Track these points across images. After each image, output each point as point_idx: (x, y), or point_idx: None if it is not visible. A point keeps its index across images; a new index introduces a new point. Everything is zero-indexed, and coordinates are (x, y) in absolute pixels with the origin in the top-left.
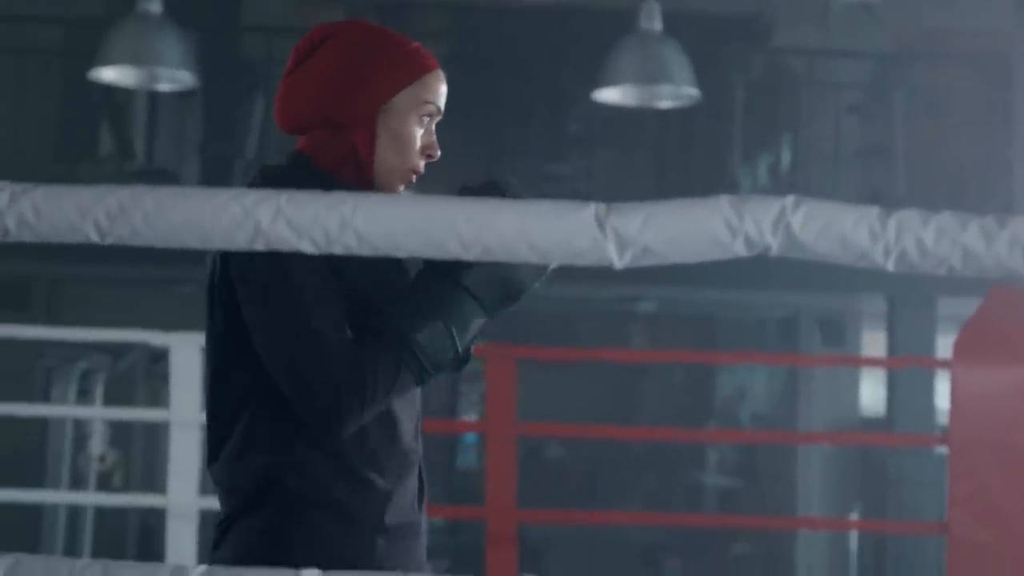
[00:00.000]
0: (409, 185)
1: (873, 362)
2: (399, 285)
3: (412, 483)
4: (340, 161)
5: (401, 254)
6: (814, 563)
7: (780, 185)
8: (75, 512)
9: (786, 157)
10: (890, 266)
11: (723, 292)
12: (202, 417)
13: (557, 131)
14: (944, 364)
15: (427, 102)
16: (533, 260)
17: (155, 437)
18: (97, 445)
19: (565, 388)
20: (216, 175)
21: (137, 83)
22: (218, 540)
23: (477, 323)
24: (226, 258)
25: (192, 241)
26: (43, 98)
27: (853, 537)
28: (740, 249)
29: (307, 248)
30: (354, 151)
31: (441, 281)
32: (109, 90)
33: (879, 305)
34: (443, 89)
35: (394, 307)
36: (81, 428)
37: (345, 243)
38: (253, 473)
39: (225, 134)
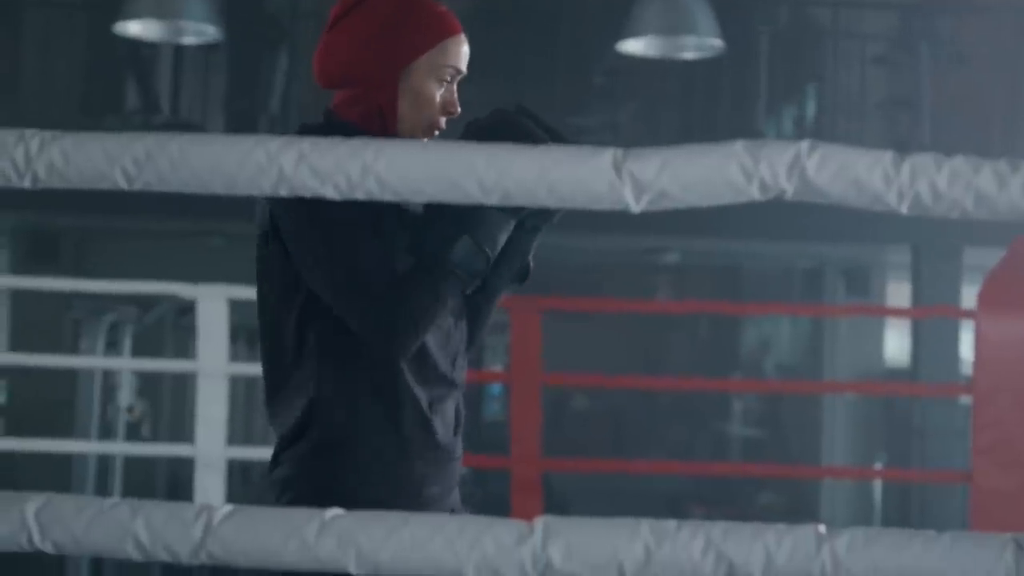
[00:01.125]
0: (431, 139)
1: (898, 312)
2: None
3: (449, 412)
4: (367, 117)
5: (422, 199)
6: (838, 513)
7: (805, 136)
8: (104, 462)
9: (811, 109)
10: (904, 209)
11: (748, 243)
12: (229, 368)
13: (581, 84)
14: (969, 314)
15: (446, 65)
16: (551, 204)
17: (183, 388)
18: (125, 396)
19: (590, 340)
20: (241, 129)
21: (162, 37)
22: (272, 465)
23: (506, 230)
24: (275, 203)
25: (217, 187)
26: (69, 52)
27: (877, 487)
28: (755, 193)
29: (330, 193)
30: (379, 108)
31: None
32: (134, 44)
33: (904, 255)
34: (464, 51)
35: (427, 231)
36: (110, 380)
37: (367, 188)
38: (301, 406)
39: (250, 88)
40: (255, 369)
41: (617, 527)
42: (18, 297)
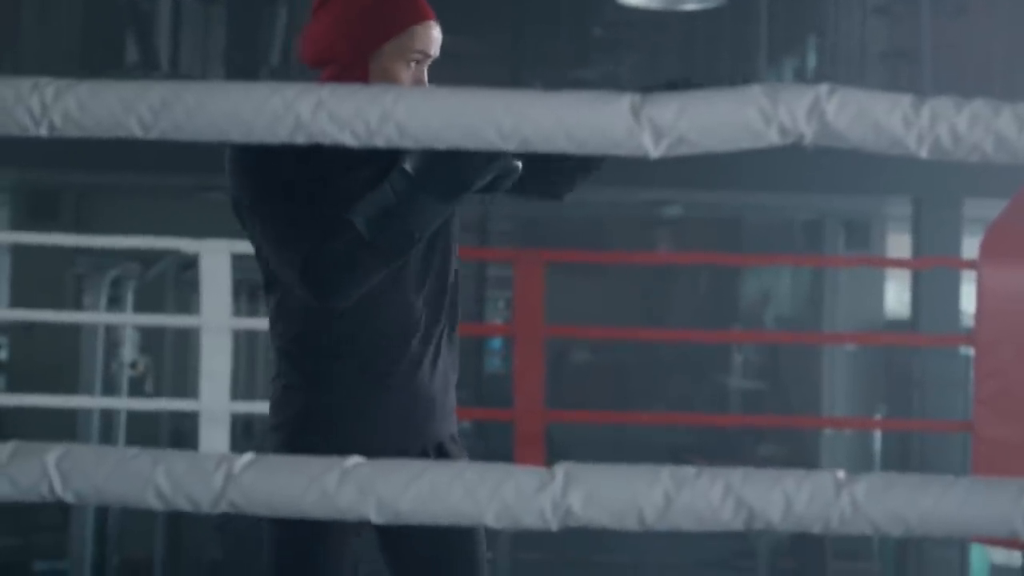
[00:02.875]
0: None
1: (899, 263)
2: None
3: (407, 362)
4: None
5: (441, 145)
6: (839, 464)
7: None
8: (108, 418)
9: (812, 60)
10: (923, 153)
11: (748, 195)
12: (232, 322)
13: (582, 36)
14: (971, 264)
15: (414, 49)
16: (570, 150)
17: (184, 344)
18: (128, 352)
19: (592, 293)
20: (243, 80)
21: None
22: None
23: (442, 216)
24: (234, 187)
25: (234, 134)
26: (68, 8)
27: (877, 438)
28: (774, 137)
29: (348, 140)
30: (349, 83)
31: (402, 182)
32: None
33: (904, 207)
34: (433, 35)
35: (368, 206)
36: (112, 335)
37: (386, 135)
38: (277, 346)
39: (249, 42)
40: (258, 323)
41: (637, 474)
42: (19, 254)
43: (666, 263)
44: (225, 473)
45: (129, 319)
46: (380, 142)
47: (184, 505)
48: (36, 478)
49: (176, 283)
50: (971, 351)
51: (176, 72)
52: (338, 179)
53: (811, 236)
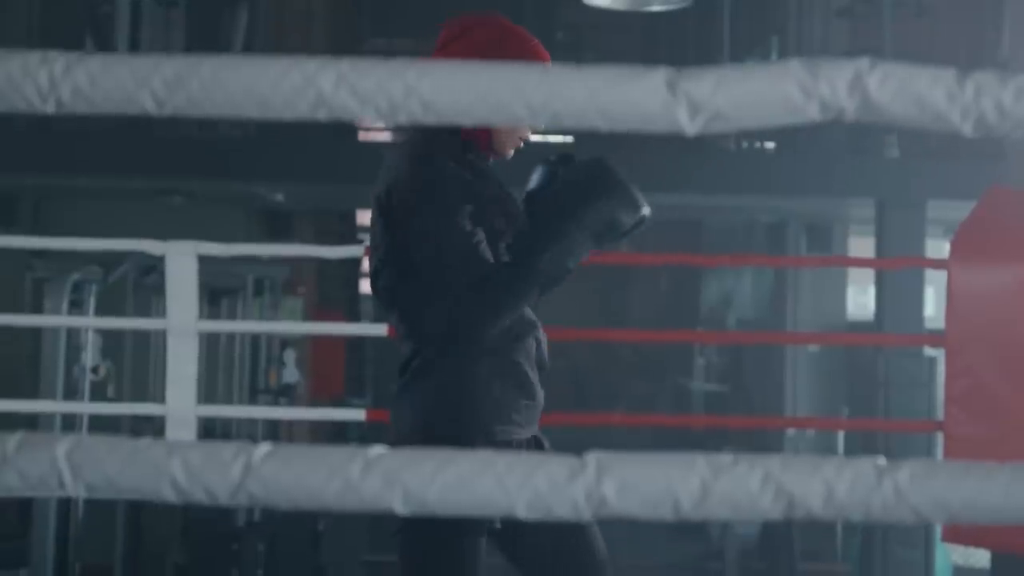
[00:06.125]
0: (519, 149)
1: (868, 263)
2: (520, 222)
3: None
4: (468, 129)
5: (467, 122)
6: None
7: None
8: (69, 423)
9: (775, 60)
10: (967, 129)
11: (709, 197)
12: (199, 325)
13: (544, 37)
14: (940, 264)
15: None
16: (602, 126)
17: (144, 348)
18: (90, 357)
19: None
20: None
21: None
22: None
23: (587, 250)
24: (390, 195)
25: (251, 110)
26: (27, 10)
27: (840, 440)
28: (814, 112)
29: (371, 116)
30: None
31: (562, 220)
32: (92, 1)
33: (867, 209)
34: None
35: (522, 240)
36: (74, 339)
37: (410, 110)
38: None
39: (209, 46)
40: (222, 326)
41: (672, 462)
42: None
43: (625, 264)
44: (244, 464)
45: (94, 322)
46: (403, 118)
47: (201, 497)
48: (45, 471)
49: (136, 288)
50: (935, 352)
51: None
52: (485, 216)
53: (773, 239)
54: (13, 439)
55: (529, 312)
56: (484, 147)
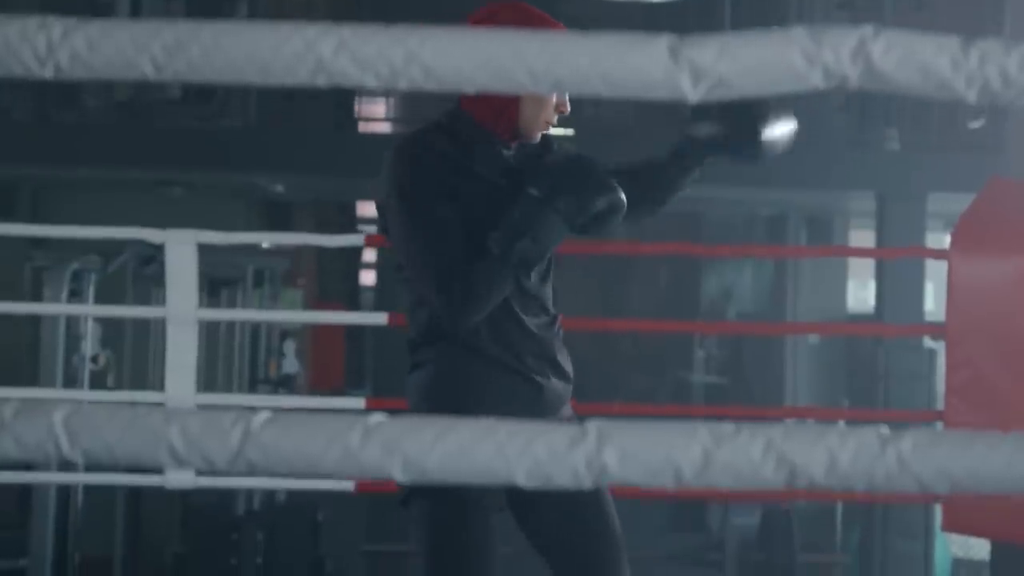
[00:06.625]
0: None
1: (868, 252)
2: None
3: (532, 357)
4: (494, 113)
5: (469, 88)
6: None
7: None
8: None
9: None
10: (972, 96)
11: (710, 189)
12: (198, 313)
13: None
14: (940, 254)
15: None
16: (605, 92)
17: (144, 338)
18: (90, 346)
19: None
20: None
21: None
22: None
23: (561, 231)
24: (378, 193)
25: (251, 76)
26: (26, 1)
27: None
28: (817, 80)
29: (370, 82)
30: (503, 105)
31: (534, 205)
32: None
33: (868, 203)
34: None
35: (498, 228)
36: (73, 329)
37: (411, 77)
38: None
39: None
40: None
41: (673, 431)
42: None
43: (624, 256)
44: (243, 430)
45: (93, 310)
46: (404, 84)
47: (199, 463)
48: (42, 436)
49: (135, 279)
50: (935, 345)
51: None
52: (475, 202)
53: (773, 232)
54: (10, 405)
55: (545, 303)
56: (508, 133)
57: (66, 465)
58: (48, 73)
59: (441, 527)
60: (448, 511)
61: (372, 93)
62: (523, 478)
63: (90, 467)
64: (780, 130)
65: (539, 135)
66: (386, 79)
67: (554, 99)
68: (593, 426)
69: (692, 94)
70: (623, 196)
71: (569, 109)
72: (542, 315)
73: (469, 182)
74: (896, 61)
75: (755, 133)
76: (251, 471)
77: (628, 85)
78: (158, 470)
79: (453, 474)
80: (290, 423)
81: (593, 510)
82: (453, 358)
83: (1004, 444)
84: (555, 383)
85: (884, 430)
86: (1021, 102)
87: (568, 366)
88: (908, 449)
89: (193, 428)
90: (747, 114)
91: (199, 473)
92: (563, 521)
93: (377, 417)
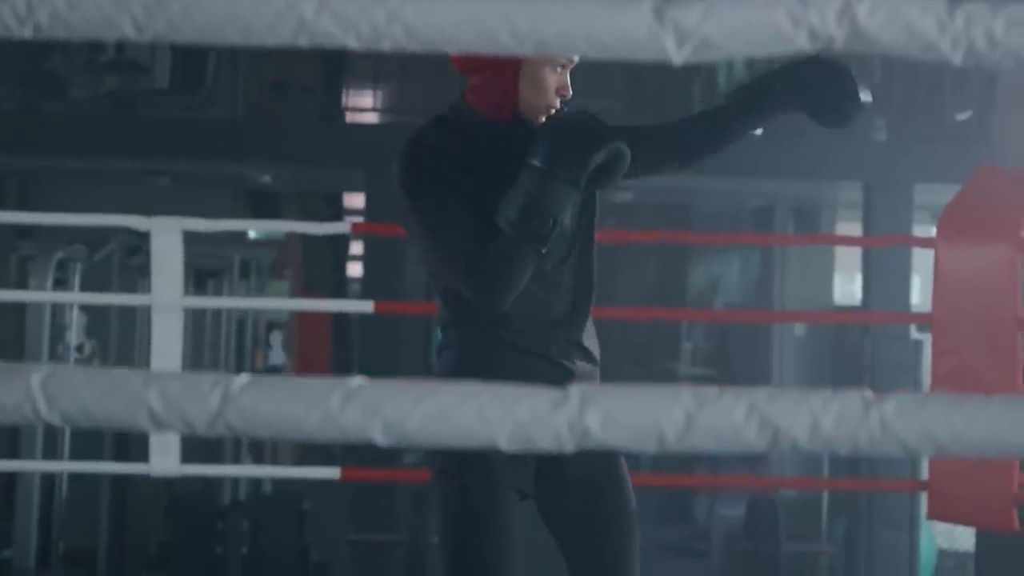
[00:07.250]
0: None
1: (856, 241)
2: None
3: (551, 342)
4: (494, 99)
5: (451, 49)
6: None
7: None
8: None
9: None
10: (957, 58)
11: (698, 180)
12: (184, 301)
13: None
14: (927, 242)
15: (561, 56)
16: (589, 53)
17: (130, 328)
18: (75, 335)
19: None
20: (189, 67)
21: None
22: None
23: (566, 194)
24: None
25: (232, 36)
26: None
27: None
28: (803, 41)
29: (352, 43)
30: (503, 89)
31: (535, 175)
32: None
33: (855, 193)
34: None
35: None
36: (59, 318)
37: (393, 37)
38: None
39: None
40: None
41: (656, 394)
42: None
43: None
44: (222, 393)
45: (78, 297)
46: (387, 45)
47: (178, 426)
48: (20, 399)
49: (121, 269)
50: (922, 336)
51: (122, 56)
52: (484, 189)
53: (760, 223)
54: None
55: (572, 287)
56: (509, 117)
57: (51, 452)
58: (27, 32)
59: (463, 506)
60: (472, 491)
61: (361, 80)
62: (505, 441)
63: (75, 455)
64: (865, 96)
65: (543, 119)
66: (368, 39)
67: (553, 83)
68: (576, 390)
69: (676, 56)
70: (623, 146)
71: (571, 93)
72: (568, 298)
73: (476, 173)
74: (882, 22)
75: (855, 93)
76: (231, 433)
77: (612, 46)
78: (143, 458)
79: (434, 437)
80: (270, 386)
81: (608, 495)
82: (478, 341)
83: (988, 407)
84: (580, 365)
85: (868, 393)
86: (1007, 64)
87: (596, 349)
88: (891, 412)
89: (172, 391)
90: (847, 73)
91: (184, 461)
92: (584, 513)
93: (358, 380)
